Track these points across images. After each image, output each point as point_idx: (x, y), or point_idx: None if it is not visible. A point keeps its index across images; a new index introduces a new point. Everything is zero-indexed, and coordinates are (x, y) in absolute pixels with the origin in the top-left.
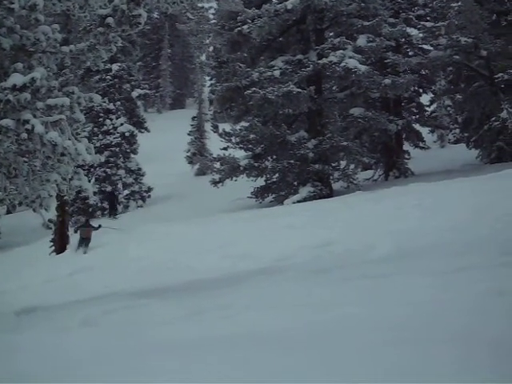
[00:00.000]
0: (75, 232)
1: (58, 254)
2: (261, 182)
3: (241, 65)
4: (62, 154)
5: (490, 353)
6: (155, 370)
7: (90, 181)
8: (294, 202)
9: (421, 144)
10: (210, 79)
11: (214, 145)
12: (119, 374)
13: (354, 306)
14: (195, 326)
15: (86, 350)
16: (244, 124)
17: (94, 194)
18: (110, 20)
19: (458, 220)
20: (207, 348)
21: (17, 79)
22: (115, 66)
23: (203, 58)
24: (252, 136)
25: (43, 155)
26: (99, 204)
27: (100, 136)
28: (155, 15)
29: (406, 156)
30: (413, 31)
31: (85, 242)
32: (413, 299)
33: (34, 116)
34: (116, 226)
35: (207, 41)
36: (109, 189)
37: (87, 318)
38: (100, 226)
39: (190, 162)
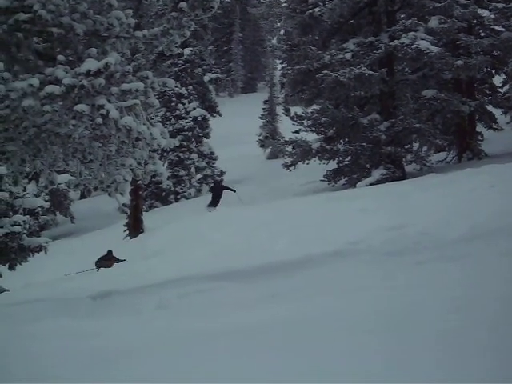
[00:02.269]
0: (97, 267)
1: (131, 238)
2: (333, 164)
3: (312, 48)
4: (137, 139)
5: None
6: (228, 354)
7: (163, 165)
8: (366, 185)
9: (494, 125)
10: (281, 62)
11: (286, 128)
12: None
13: (429, 289)
14: (269, 309)
15: (160, 334)
16: (316, 107)
17: (168, 178)
18: (183, 4)
19: None
20: (281, 331)
21: (91, 64)
22: (187, 51)
23: (274, 41)
24: (324, 119)
25: (118, 140)
26: (172, 188)
27: (172, 120)
28: None
29: (479, 137)
30: (484, 12)
31: None
32: (486, 281)
33: (109, 101)
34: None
35: (278, 24)
36: (182, 173)
37: (162, 302)
38: (125, 260)
39: (262, 146)
